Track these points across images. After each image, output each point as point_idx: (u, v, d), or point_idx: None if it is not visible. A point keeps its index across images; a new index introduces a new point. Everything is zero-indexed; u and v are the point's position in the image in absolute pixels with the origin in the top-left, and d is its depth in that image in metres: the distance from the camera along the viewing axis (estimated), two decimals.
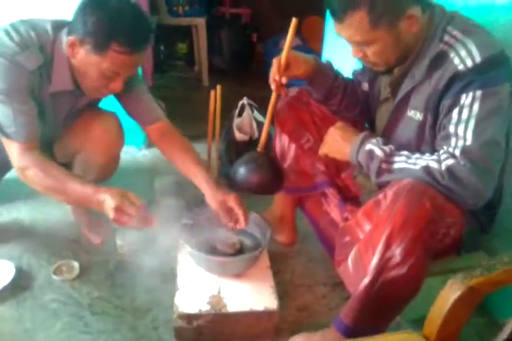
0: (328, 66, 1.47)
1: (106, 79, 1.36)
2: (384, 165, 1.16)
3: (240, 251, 1.46)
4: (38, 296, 1.50)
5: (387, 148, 1.17)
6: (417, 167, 1.10)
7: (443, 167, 1.06)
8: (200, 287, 1.38)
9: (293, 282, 1.61)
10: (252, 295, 1.35)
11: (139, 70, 2.42)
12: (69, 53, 1.34)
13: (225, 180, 2.10)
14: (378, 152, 1.17)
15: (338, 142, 1.29)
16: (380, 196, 1.12)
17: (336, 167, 1.54)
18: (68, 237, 1.79)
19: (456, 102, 1.09)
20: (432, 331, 0.78)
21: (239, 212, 1.39)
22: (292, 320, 1.44)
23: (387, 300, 1.11)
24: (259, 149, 1.47)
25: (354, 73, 1.54)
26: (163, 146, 1.64)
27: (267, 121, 1.44)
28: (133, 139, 2.52)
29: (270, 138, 1.56)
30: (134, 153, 2.54)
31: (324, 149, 1.35)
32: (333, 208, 1.51)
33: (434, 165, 1.08)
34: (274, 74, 1.34)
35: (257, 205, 1.65)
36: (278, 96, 1.40)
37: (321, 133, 1.40)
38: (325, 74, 1.44)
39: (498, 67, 1.07)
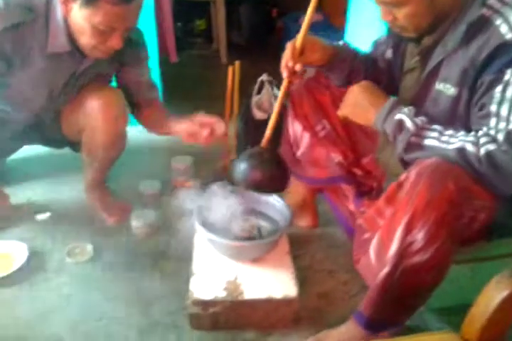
0: (346, 49, 1.35)
1: (103, 36, 1.31)
2: (413, 139, 1.04)
3: (258, 234, 1.39)
4: (52, 279, 1.47)
5: (418, 121, 1.05)
6: (451, 147, 0.99)
7: (482, 152, 0.95)
8: (216, 272, 1.32)
9: (313, 267, 1.54)
10: (271, 282, 1.29)
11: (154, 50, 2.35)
12: (63, 11, 1.29)
13: None
14: (409, 124, 1.05)
15: (361, 105, 1.16)
16: (403, 177, 1.02)
17: (354, 154, 1.44)
18: (82, 218, 1.75)
19: (499, 78, 0.97)
20: (473, 333, 0.70)
21: (212, 120, 1.51)
22: (312, 308, 1.37)
23: (409, 289, 1.03)
24: (262, 144, 1.32)
25: (375, 43, 1.42)
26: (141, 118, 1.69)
27: (274, 113, 1.28)
28: None
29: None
30: None
31: (345, 111, 1.21)
32: (350, 202, 1.42)
33: (470, 148, 0.96)
34: (287, 60, 1.21)
35: None
36: (290, 85, 1.27)
37: None
38: (343, 60, 1.32)
39: None
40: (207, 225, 1.33)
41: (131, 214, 1.67)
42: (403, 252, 0.98)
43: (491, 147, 0.95)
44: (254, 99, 1.95)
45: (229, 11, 3.59)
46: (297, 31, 1.24)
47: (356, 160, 1.44)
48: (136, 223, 1.64)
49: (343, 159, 1.40)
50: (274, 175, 1.28)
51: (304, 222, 1.67)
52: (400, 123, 1.06)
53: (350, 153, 1.42)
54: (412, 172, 1.00)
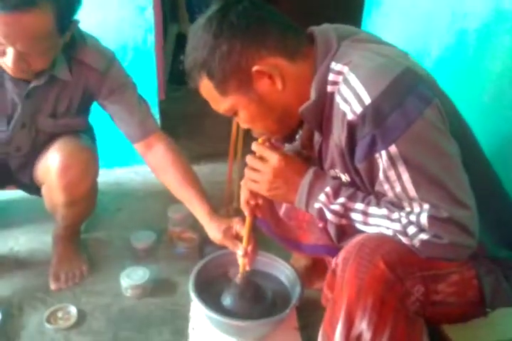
0: None
1: None
2: (341, 228, 0.95)
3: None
4: None
5: (338, 207, 0.92)
6: (383, 231, 0.88)
7: (416, 243, 0.83)
8: None
9: None
10: None
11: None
12: None
13: None
14: (329, 215, 0.93)
15: (279, 188, 1.01)
16: (334, 264, 0.91)
17: None
18: None
19: (372, 165, 0.86)
20: None
21: (245, 236, 1.17)
22: None
23: None
24: (237, 279, 1.20)
25: None
26: (152, 161, 1.44)
27: (244, 248, 1.18)
28: None
29: None
30: (146, 173, 2.28)
31: (265, 193, 1.03)
32: None
33: (403, 239, 0.85)
34: (247, 198, 1.11)
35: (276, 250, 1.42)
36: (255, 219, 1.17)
37: None
38: None
39: (402, 100, 0.81)
40: (203, 298, 1.16)
41: (121, 273, 1.50)
42: None
43: (424, 237, 0.83)
44: None
45: None
46: None
47: None
48: (126, 283, 1.47)
49: (325, 223, 1.25)
50: (253, 308, 1.18)
51: (315, 285, 1.50)
52: (321, 214, 0.95)
53: None
54: (340, 258, 0.89)
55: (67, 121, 1.44)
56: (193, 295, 1.15)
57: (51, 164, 1.38)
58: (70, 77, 1.33)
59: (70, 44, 1.30)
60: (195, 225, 1.80)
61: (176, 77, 3.49)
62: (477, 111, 1.39)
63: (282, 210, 1.32)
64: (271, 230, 1.36)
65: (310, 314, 1.43)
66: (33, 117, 1.39)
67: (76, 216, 1.54)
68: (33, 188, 1.56)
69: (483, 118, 1.37)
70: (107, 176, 2.16)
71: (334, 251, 1.23)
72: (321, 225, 1.25)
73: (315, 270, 1.50)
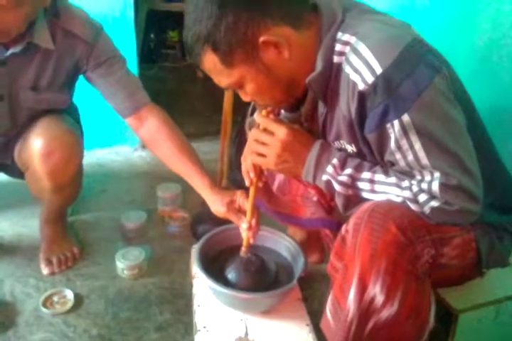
0: None
1: None
2: (348, 198, 0.95)
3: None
4: (25, 336, 1.26)
5: (345, 178, 0.92)
6: (391, 198, 0.89)
7: (427, 210, 0.86)
8: (223, 327, 1.15)
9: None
10: (287, 337, 1.13)
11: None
12: None
13: (235, 186, 1.87)
14: (336, 186, 0.93)
15: (287, 161, 0.99)
16: (343, 230, 0.92)
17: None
18: None
19: (383, 134, 0.86)
20: None
21: (249, 209, 1.15)
22: None
23: None
24: (242, 253, 1.18)
25: None
26: (146, 135, 1.39)
27: (248, 221, 1.16)
28: (126, 138, 2.27)
29: None
30: (127, 154, 2.27)
31: (272, 167, 1.02)
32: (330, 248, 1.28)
33: (413, 206, 0.87)
34: (249, 170, 1.09)
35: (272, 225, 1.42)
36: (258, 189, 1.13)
37: None
38: None
39: (413, 69, 0.82)
40: (206, 272, 1.14)
41: (116, 253, 1.48)
42: (366, 311, 0.85)
43: (435, 204, 0.85)
44: (248, 120, 1.80)
45: None
46: None
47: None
48: (122, 264, 1.45)
49: (320, 196, 1.26)
50: (259, 282, 1.17)
51: (313, 258, 1.52)
52: (329, 185, 0.95)
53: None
54: (350, 224, 0.89)
55: (49, 96, 1.38)
56: (199, 271, 1.14)
57: (34, 149, 1.32)
58: (52, 46, 1.27)
59: (53, 12, 1.25)
60: (185, 204, 1.80)
61: (147, 56, 3.42)
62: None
63: (275, 185, 1.32)
64: (265, 206, 1.35)
65: (308, 287, 1.46)
66: (12, 89, 1.33)
67: (63, 200, 1.50)
68: (16, 171, 1.50)
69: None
70: (87, 158, 2.08)
71: (330, 224, 1.25)
72: (315, 199, 1.26)
73: (309, 244, 1.50)
